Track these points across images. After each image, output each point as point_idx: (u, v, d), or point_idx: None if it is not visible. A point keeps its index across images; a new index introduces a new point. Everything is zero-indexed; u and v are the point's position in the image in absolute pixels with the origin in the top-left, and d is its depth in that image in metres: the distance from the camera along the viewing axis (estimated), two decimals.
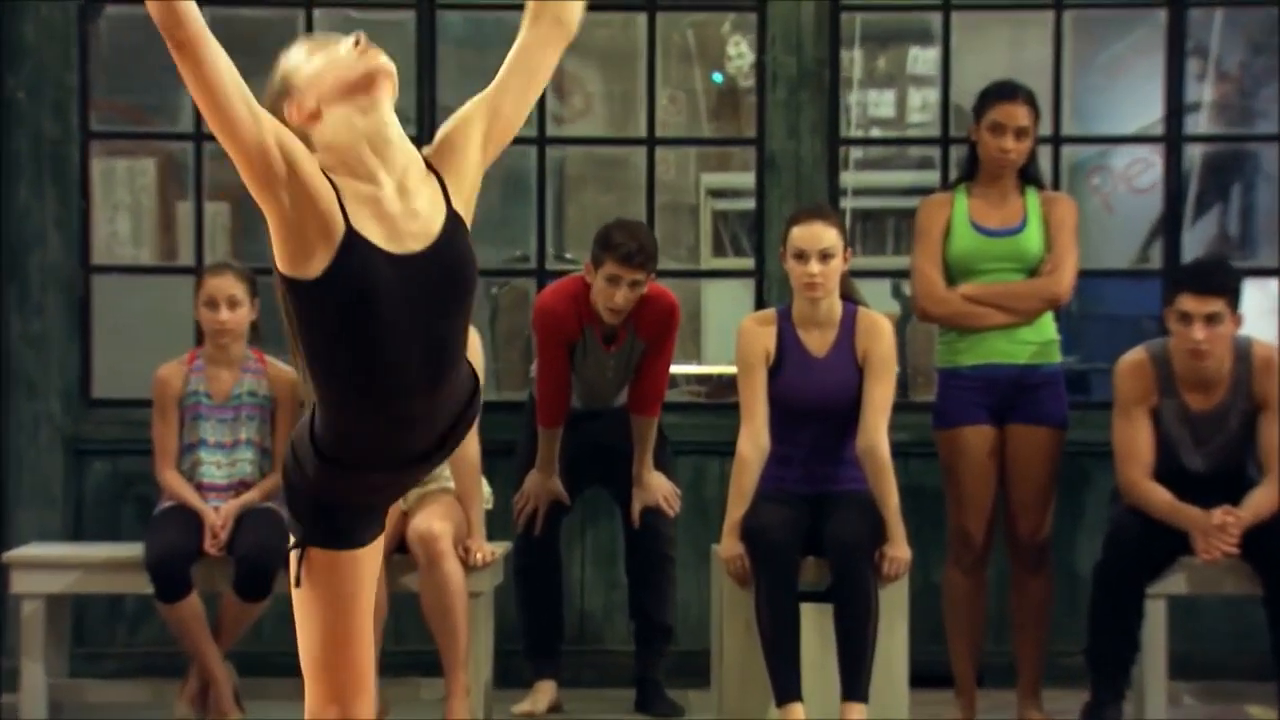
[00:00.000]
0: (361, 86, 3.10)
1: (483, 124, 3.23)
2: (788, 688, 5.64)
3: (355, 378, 3.10)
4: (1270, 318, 6.91)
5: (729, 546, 5.81)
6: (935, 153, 7.31)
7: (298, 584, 3.20)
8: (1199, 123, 7.52)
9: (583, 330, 6.15)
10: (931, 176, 7.37)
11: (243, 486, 6.17)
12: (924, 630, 6.16)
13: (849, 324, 5.91)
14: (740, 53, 8.23)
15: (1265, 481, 5.85)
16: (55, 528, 6.83)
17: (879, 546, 5.76)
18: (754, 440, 5.83)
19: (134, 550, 6.09)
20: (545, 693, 6.30)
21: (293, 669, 3.38)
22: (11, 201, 6.88)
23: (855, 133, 8.11)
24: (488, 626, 6.10)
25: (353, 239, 3.04)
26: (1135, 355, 5.95)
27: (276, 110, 3.12)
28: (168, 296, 7.07)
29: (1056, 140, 6.93)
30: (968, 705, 6.11)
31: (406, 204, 3.11)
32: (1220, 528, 5.74)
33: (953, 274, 6.08)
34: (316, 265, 3.04)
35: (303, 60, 3.16)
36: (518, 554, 6.31)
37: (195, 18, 2.90)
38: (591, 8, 3.41)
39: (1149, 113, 7.34)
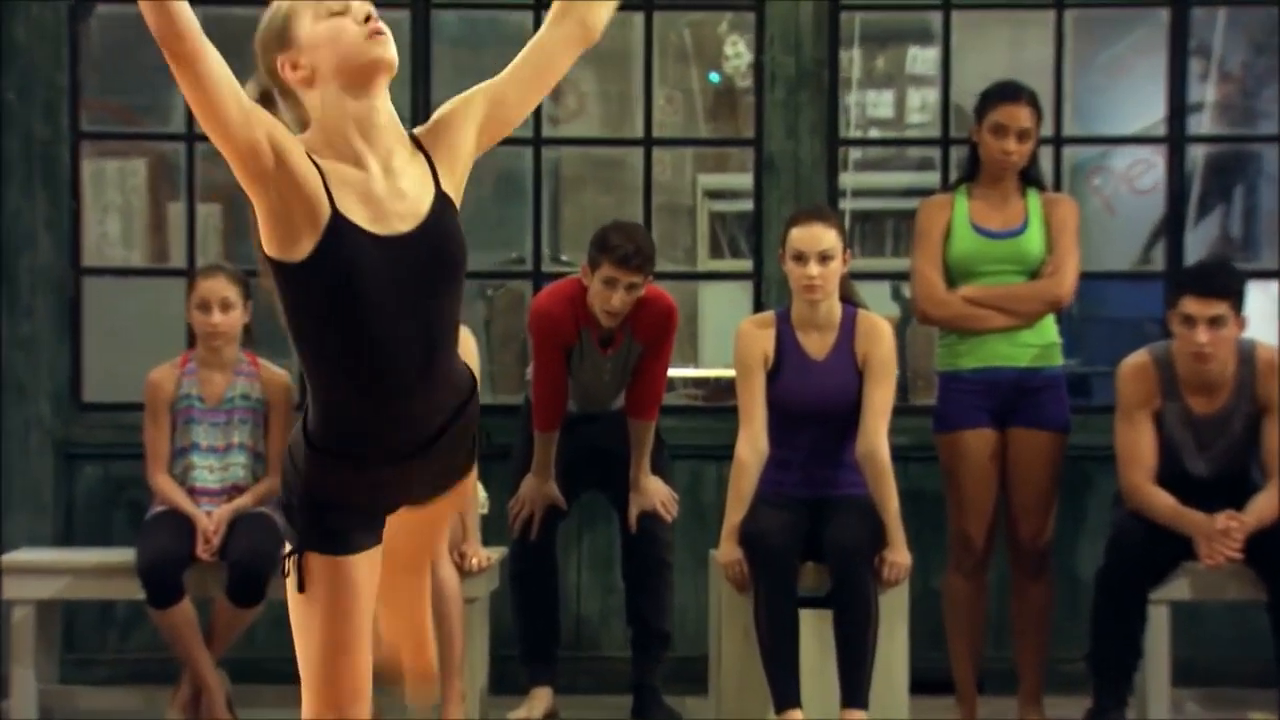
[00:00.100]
0: (362, 76, 3.12)
1: (483, 110, 3.24)
2: (787, 694, 5.61)
3: (344, 360, 3.12)
4: (1271, 321, 6.87)
5: (727, 551, 5.79)
6: (934, 154, 7.31)
7: (299, 590, 3.19)
8: (1201, 123, 7.53)
9: (579, 333, 6.12)
10: (931, 178, 7.37)
11: (235, 491, 6.14)
12: (924, 636, 6.15)
13: (849, 327, 5.89)
14: (737, 52, 8.21)
15: (1269, 486, 5.83)
16: (46, 533, 6.80)
17: (879, 551, 5.74)
18: (752, 444, 5.80)
19: (125, 555, 6.06)
20: (541, 699, 6.27)
21: (286, 676, 3.35)
22: (1, 203, 6.84)
23: (854, 133, 8.08)
24: (483, 632, 6.09)
25: (338, 222, 3.07)
26: (1138, 358, 5.94)
27: (268, 55, 3.14)
28: (159, 299, 7.07)
29: (1057, 141, 6.92)
30: (968, 711, 6.09)
31: (392, 184, 3.13)
32: (1224, 532, 5.72)
33: (953, 276, 6.06)
34: (303, 249, 3.07)
35: (308, 12, 3.13)
36: (513, 559, 6.28)
37: (195, 32, 2.91)
38: None
39: (1151, 113, 7.33)
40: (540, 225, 7.12)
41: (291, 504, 3.22)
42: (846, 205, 7.57)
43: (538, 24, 6.78)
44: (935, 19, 7.11)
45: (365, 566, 3.22)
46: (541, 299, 6.27)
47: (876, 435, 5.77)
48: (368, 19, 3.13)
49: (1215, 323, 5.73)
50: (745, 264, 7.55)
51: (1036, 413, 6.00)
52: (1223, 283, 5.78)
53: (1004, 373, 6.00)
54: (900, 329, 7.35)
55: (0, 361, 6.85)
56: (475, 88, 3.27)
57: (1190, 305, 5.74)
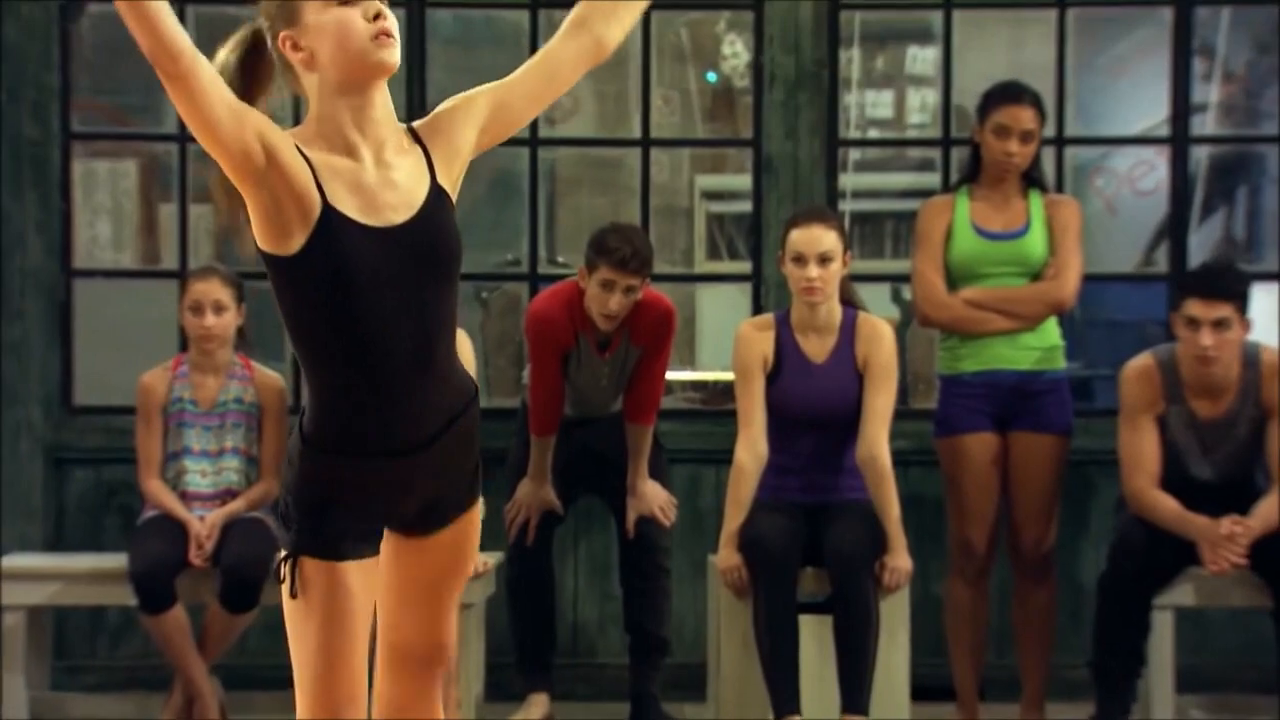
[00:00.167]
0: (361, 77, 3.12)
1: (486, 112, 3.25)
2: (786, 701, 5.58)
3: (339, 352, 3.12)
4: (1275, 323, 6.83)
5: (726, 557, 5.76)
6: (934, 154, 7.30)
7: (292, 595, 3.18)
8: (1205, 124, 7.52)
9: (577, 337, 6.09)
10: (931, 179, 7.36)
11: (229, 495, 6.12)
12: (925, 642, 6.14)
13: (849, 329, 5.86)
14: (735, 52, 8.20)
15: (1274, 490, 5.79)
16: (36, 538, 6.76)
17: (879, 557, 5.71)
18: (751, 448, 5.77)
19: (117, 561, 6.04)
20: (538, 706, 6.25)
21: (279, 682, 3.33)
22: None
23: (854, 134, 8.05)
24: (479, 638, 6.06)
25: (329, 215, 3.08)
26: (1142, 361, 5.91)
27: (273, 26, 3.13)
28: (151, 301, 7.03)
29: (1059, 141, 6.89)
30: (970, 718, 6.06)
31: (383, 174, 3.14)
32: (1228, 538, 5.70)
33: (954, 278, 6.04)
34: (295, 243, 3.08)
35: None
36: (509, 565, 6.26)
37: (188, 49, 2.91)
38: None
39: (1153, 113, 7.32)
40: (536, 227, 7.09)
41: (288, 508, 3.20)
42: (846, 206, 7.55)
43: (534, 23, 6.85)
44: (936, 18, 7.09)
45: (361, 574, 3.19)
46: (538, 302, 6.23)
47: (877, 439, 5.74)
48: (377, 16, 3.11)
49: (1220, 325, 5.70)
50: (743, 266, 7.53)
51: (1038, 416, 5.97)
52: (1228, 285, 5.76)
53: (1005, 376, 5.97)
54: (900, 332, 7.32)
55: None
56: (480, 88, 3.26)
57: (1194, 308, 5.72)
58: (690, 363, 8.15)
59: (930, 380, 7.03)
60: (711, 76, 8.44)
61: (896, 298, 7.81)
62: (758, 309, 6.79)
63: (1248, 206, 7.89)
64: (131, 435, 6.20)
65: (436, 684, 3.43)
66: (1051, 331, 6.04)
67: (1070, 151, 7.21)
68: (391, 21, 3.13)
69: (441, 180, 3.19)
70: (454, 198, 3.22)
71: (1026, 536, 6.00)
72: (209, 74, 2.95)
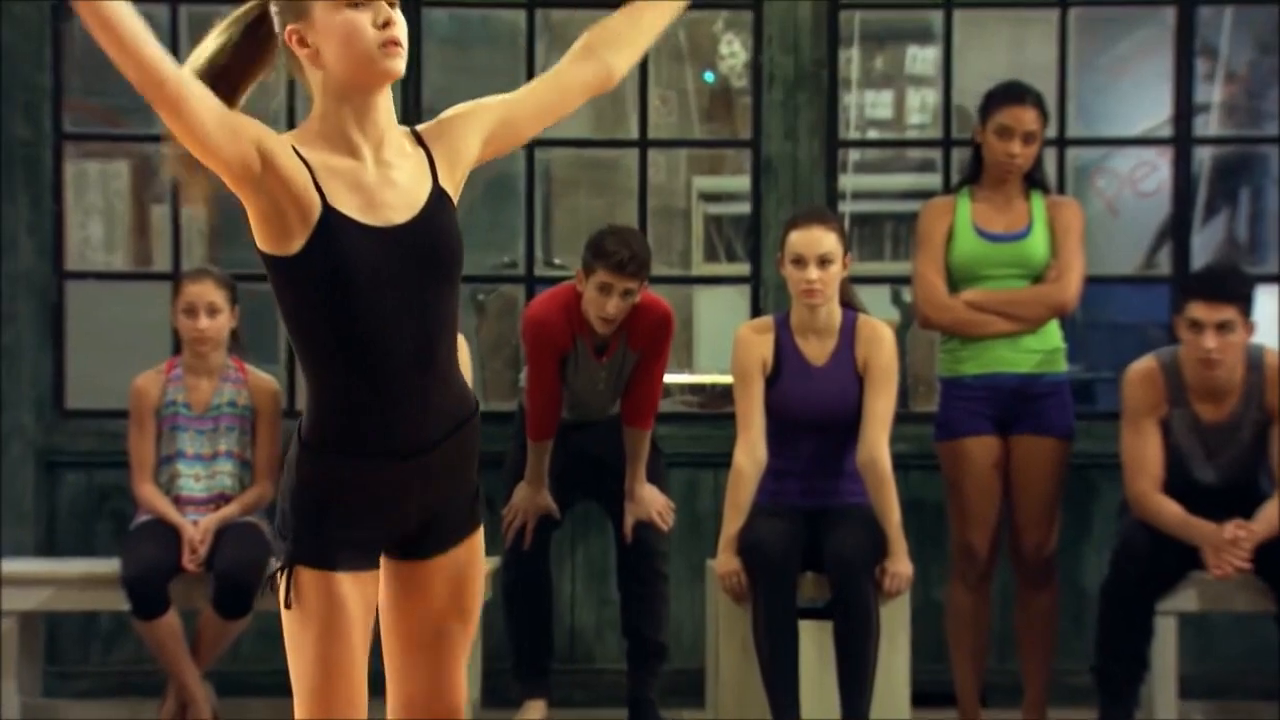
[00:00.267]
0: (365, 83, 3.12)
1: (492, 124, 3.26)
2: (786, 707, 5.57)
3: (339, 352, 3.11)
4: (1275, 326, 6.79)
5: (725, 561, 5.74)
6: (934, 155, 7.29)
7: (285, 605, 3.15)
8: (1207, 124, 7.52)
9: (574, 340, 6.06)
10: (931, 180, 7.36)
11: (222, 500, 6.11)
12: (926, 648, 6.14)
13: (849, 332, 5.84)
14: (733, 52, 8.18)
15: (1278, 494, 5.77)
16: (28, 543, 6.74)
17: (880, 561, 5.69)
18: (750, 452, 5.75)
19: (110, 566, 6.02)
20: (535, 712, 6.25)
21: (274, 689, 3.31)
22: None
23: (853, 135, 8.02)
24: (475, 644, 6.02)
25: (329, 215, 3.08)
26: (1145, 364, 5.89)
27: (283, 15, 3.11)
28: (144, 303, 7.03)
29: (1061, 142, 6.89)
30: None
31: (383, 174, 3.14)
32: (1232, 542, 5.67)
33: (955, 280, 6.02)
34: (295, 244, 3.08)
35: None
36: (506, 569, 6.24)
37: (173, 74, 2.91)
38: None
39: (1155, 114, 7.33)
40: (533, 229, 7.08)
41: (285, 516, 3.18)
42: (846, 208, 7.55)
43: (530, 23, 6.80)
44: (936, 18, 7.08)
45: (358, 586, 3.16)
46: (535, 306, 6.21)
47: (877, 443, 5.71)
48: (386, 24, 3.10)
49: (1223, 328, 5.68)
50: (742, 268, 7.51)
51: (1040, 419, 5.95)
52: (1231, 287, 5.74)
53: (1007, 379, 5.95)
54: (900, 334, 7.31)
55: None
56: (488, 99, 3.26)
57: (1198, 310, 5.69)
58: (688, 366, 8.14)
59: (931, 383, 7.03)
60: (709, 76, 8.42)
61: (897, 300, 7.80)
62: (756, 311, 6.77)
63: (1250, 208, 7.90)
64: (124, 439, 6.19)
65: None
66: (1053, 334, 6.02)
67: (1072, 152, 7.20)
68: (401, 30, 3.11)
69: (444, 182, 3.18)
70: (455, 200, 3.21)
71: (1028, 540, 5.98)
72: (197, 92, 2.95)
